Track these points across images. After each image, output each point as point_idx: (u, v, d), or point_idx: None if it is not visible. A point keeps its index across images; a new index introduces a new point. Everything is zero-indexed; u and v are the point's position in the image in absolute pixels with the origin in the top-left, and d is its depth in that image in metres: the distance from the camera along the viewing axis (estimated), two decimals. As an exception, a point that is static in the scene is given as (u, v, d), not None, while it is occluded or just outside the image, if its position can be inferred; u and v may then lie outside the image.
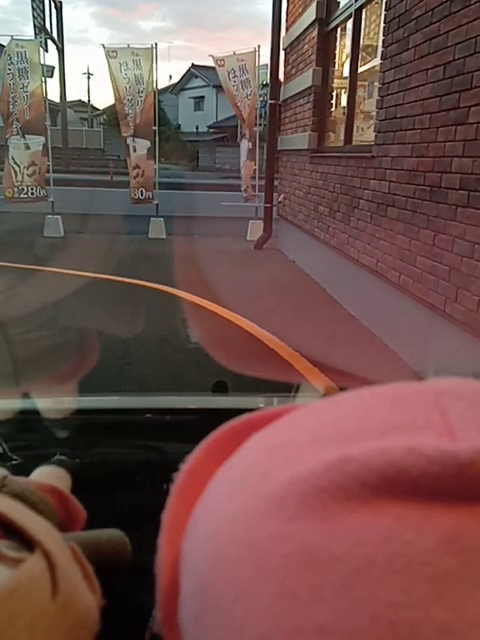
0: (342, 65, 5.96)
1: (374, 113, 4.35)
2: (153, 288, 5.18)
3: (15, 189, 7.77)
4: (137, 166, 7.98)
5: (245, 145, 8.24)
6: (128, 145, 7.93)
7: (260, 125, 8.41)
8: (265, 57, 8.33)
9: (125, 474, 0.70)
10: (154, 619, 0.26)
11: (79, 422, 0.81)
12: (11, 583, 0.31)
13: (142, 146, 7.94)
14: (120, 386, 3.07)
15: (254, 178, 8.25)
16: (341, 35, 5.89)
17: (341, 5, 5.61)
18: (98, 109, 40.33)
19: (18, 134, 7.69)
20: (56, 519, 0.45)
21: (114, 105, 8.05)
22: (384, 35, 4.07)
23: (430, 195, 3.31)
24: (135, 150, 7.94)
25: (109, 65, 7.68)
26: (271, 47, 7.49)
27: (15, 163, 7.73)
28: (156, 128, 8.02)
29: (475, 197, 2.84)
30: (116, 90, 7.75)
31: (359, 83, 5.23)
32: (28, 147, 7.74)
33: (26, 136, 7.70)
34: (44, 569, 0.32)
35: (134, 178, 8.01)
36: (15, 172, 7.76)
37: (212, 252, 7.09)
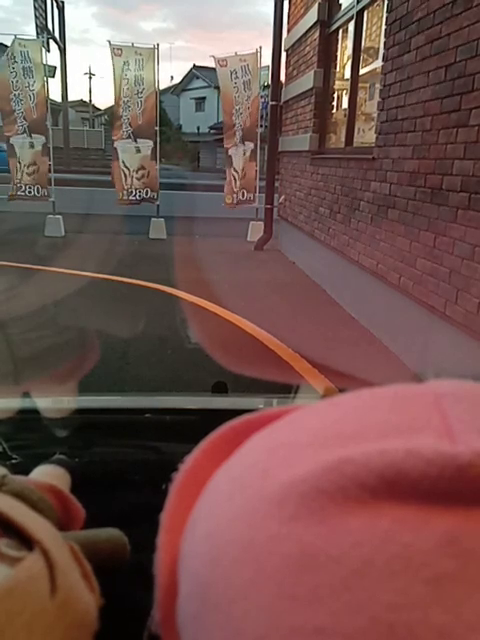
0: (343, 67, 5.96)
1: (375, 115, 4.35)
2: (154, 288, 5.18)
3: (14, 187, 7.79)
4: (142, 167, 7.97)
5: (236, 151, 7.99)
6: (116, 148, 7.90)
7: (261, 126, 8.36)
8: (266, 58, 8.32)
9: (124, 474, 0.70)
10: (152, 619, 0.26)
11: (79, 422, 0.81)
12: (10, 582, 0.31)
13: (146, 146, 7.94)
14: (119, 386, 3.07)
15: (235, 181, 8.09)
16: (343, 37, 5.89)
17: (343, 7, 5.62)
18: (99, 109, 40.38)
19: (24, 133, 7.72)
20: (55, 518, 0.45)
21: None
22: (386, 37, 4.07)
23: (431, 197, 3.31)
24: (139, 151, 7.92)
25: (113, 63, 7.66)
26: (273, 48, 7.50)
27: (19, 162, 7.75)
28: (157, 128, 8.03)
29: (476, 199, 2.84)
30: (117, 89, 7.73)
31: (360, 85, 5.23)
32: (32, 146, 7.77)
33: (31, 135, 7.74)
34: (43, 568, 0.32)
35: (140, 179, 8.00)
36: (18, 170, 7.79)
37: (212, 253, 7.08)
